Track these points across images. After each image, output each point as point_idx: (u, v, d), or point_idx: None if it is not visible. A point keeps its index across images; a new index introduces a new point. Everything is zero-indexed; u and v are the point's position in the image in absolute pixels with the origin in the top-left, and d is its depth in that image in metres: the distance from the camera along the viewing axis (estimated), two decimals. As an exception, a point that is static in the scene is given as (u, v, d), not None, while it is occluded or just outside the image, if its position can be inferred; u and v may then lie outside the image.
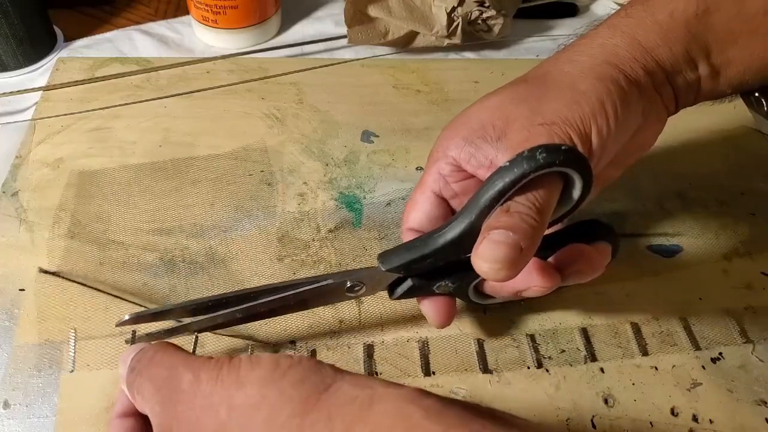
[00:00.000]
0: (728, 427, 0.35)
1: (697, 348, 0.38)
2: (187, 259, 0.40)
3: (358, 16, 0.55)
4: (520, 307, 0.39)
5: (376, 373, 0.36)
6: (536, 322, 0.39)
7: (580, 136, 0.29)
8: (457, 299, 0.35)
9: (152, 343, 0.28)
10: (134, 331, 0.35)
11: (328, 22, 0.60)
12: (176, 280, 0.39)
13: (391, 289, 0.33)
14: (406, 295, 0.33)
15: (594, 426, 0.35)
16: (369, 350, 0.37)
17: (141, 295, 0.38)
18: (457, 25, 0.55)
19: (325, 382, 0.22)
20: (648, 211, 0.46)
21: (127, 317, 0.31)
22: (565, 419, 0.35)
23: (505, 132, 0.31)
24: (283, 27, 0.60)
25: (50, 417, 0.33)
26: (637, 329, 0.39)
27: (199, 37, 0.57)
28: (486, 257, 0.27)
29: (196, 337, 0.36)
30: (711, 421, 0.35)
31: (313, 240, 0.42)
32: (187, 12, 0.57)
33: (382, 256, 0.32)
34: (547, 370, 0.37)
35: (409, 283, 0.33)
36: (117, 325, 0.31)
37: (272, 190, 0.44)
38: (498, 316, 0.39)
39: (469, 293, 0.35)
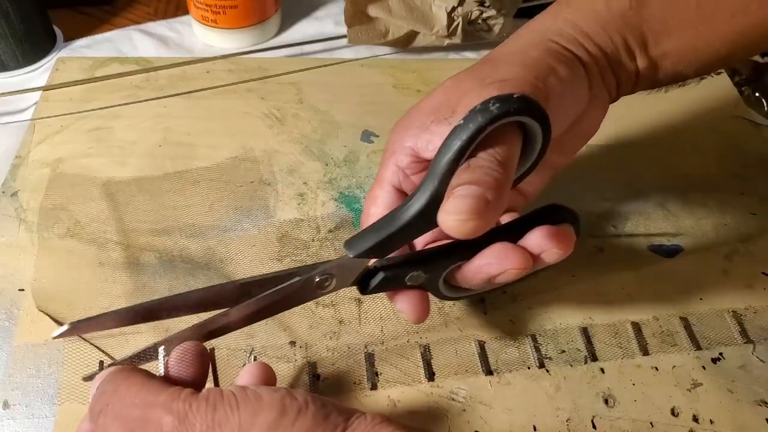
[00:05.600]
0: (729, 427, 0.35)
1: (698, 348, 0.38)
2: (187, 259, 0.40)
3: (358, 15, 0.55)
4: (520, 307, 0.39)
5: (377, 374, 0.36)
6: (536, 323, 0.39)
7: (534, 91, 0.29)
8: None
9: (114, 369, 0.24)
10: (102, 362, 0.34)
11: (328, 22, 0.60)
12: (175, 281, 0.39)
13: (362, 284, 0.32)
14: (378, 288, 0.32)
15: (594, 426, 0.34)
16: (370, 355, 0.37)
17: (141, 295, 0.38)
18: (458, 24, 0.55)
19: None
20: (648, 211, 0.46)
21: (66, 327, 0.27)
22: (565, 419, 0.35)
23: (459, 104, 0.30)
24: (283, 27, 0.59)
25: (50, 417, 0.33)
26: (637, 329, 0.39)
27: (198, 36, 0.57)
28: (451, 211, 0.26)
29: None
30: (711, 422, 0.35)
31: (313, 240, 0.42)
32: (186, 12, 0.57)
33: (349, 243, 0.30)
34: (548, 371, 0.37)
35: (380, 275, 0.31)
36: (54, 338, 0.27)
37: (272, 190, 0.44)
38: (498, 316, 0.39)
39: (439, 286, 0.33)
